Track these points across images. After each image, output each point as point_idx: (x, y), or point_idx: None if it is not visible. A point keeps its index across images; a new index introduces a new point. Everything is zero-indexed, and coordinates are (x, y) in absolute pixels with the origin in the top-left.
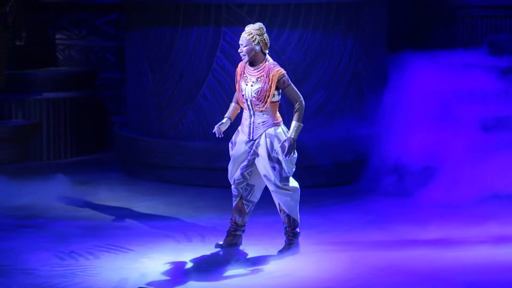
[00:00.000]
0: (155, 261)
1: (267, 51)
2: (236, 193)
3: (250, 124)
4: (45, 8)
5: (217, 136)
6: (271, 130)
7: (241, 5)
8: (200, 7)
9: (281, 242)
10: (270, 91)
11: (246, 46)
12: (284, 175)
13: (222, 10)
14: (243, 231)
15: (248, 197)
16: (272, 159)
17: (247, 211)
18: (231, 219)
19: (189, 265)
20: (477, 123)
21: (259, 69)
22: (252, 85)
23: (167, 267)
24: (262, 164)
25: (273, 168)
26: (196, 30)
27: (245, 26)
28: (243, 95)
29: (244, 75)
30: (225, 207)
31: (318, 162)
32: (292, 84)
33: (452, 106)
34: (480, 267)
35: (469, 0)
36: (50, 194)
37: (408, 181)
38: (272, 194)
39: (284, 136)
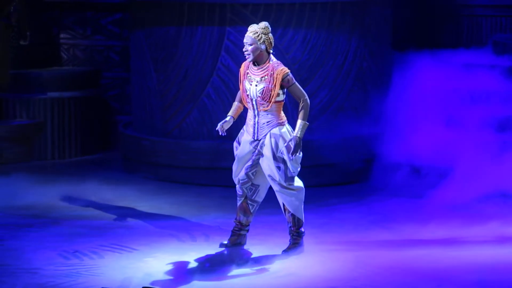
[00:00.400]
0: (159, 260)
1: (271, 51)
2: (240, 193)
3: (254, 124)
4: (50, 8)
5: (220, 134)
6: (275, 130)
7: (245, 4)
8: (204, 6)
9: (285, 242)
10: (274, 90)
11: (251, 45)
12: (289, 174)
13: (226, 10)
14: (248, 230)
15: (253, 197)
16: (277, 159)
17: (251, 211)
18: (236, 219)
19: (193, 264)
20: (483, 123)
21: (263, 69)
22: (256, 85)
23: (171, 266)
24: (267, 164)
25: (278, 168)
26: (200, 29)
27: (249, 26)
28: (247, 95)
29: (248, 75)
30: (230, 207)
31: (322, 161)
32: (296, 82)
33: (456, 106)
34: (484, 267)
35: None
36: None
37: (413, 180)
38: (277, 194)
39: (289, 135)
